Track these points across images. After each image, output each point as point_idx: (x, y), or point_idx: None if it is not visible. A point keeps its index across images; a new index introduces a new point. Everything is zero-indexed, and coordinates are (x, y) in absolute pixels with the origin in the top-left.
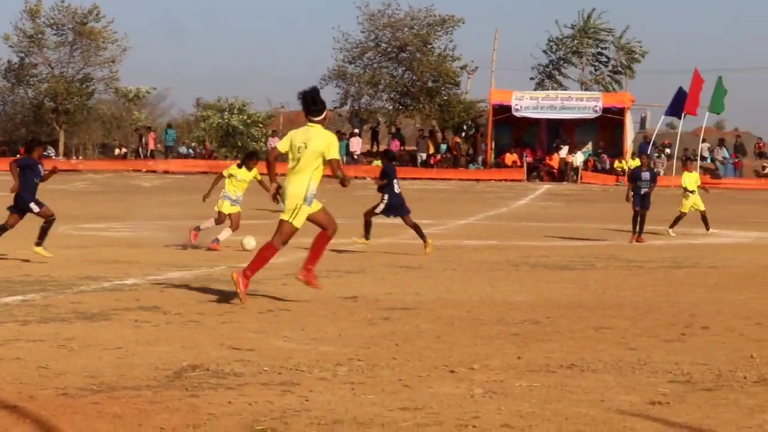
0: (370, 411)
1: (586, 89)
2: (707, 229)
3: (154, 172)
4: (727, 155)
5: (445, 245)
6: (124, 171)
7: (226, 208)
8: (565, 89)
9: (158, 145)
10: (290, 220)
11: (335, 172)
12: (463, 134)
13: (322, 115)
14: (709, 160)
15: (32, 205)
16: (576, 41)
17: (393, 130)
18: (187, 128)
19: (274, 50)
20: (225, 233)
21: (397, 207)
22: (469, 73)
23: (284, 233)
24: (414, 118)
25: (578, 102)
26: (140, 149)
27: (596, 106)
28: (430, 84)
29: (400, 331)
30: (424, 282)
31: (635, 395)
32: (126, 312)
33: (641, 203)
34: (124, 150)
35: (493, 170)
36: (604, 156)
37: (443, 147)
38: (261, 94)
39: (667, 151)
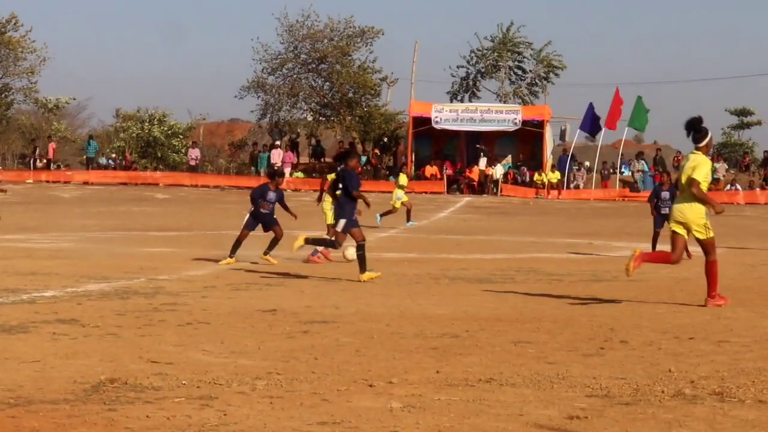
0: (288, 425)
1: (504, 102)
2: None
3: (68, 182)
4: (646, 168)
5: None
6: (44, 182)
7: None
8: (481, 101)
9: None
10: (708, 235)
11: (690, 187)
12: (383, 146)
13: (704, 142)
14: (628, 173)
15: None
16: (495, 54)
17: (313, 142)
18: (107, 139)
19: (194, 61)
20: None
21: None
22: (389, 84)
23: (711, 245)
24: (334, 129)
25: (498, 115)
26: (33, 161)
27: (516, 118)
28: (350, 95)
29: (319, 344)
30: (344, 295)
31: (553, 409)
32: (44, 325)
33: (661, 223)
34: (45, 160)
35: (413, 182)
36: (524, 169)
37: (363, 159)
38: (181, 105)
39: (587, 164)
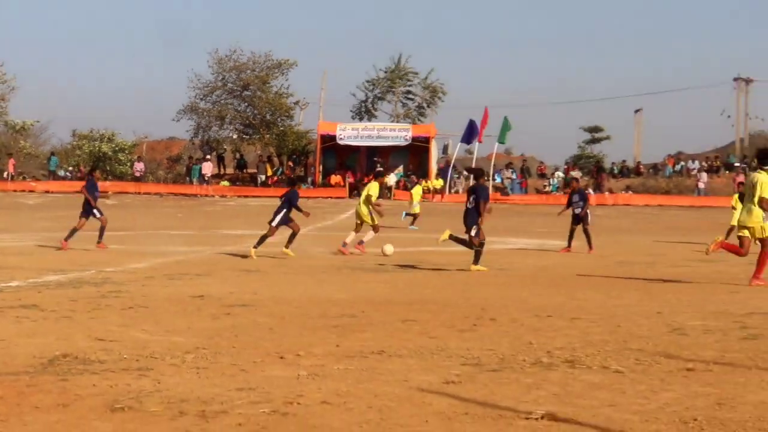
0: (211, 391)
1: (396, 121)
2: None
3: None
4: (514, 176)
5: (281, 252)
6: (12, 191)
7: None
8: (378, 120)
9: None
10: (765, 235)
11: (761, 204)
12: (296, 159)
13: None
14: (499, 180)
15: None
16: (389, 81)
17: (237, 156)
18: (65, 155)
19: (139, 88)
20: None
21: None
22: (301, 107)
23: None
24: (255, 145)
25: (392, 132)
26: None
27: (407, 135)
28: (268, 117)
29: (239, 324)
30: (261, 283)
31: (433, 376)
32: (9, 309)
33: (577, 220)
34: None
35: (320, 189)
36: (413, 177)
37: (279, 170)
38: (128, 126)
39: (465, 172)
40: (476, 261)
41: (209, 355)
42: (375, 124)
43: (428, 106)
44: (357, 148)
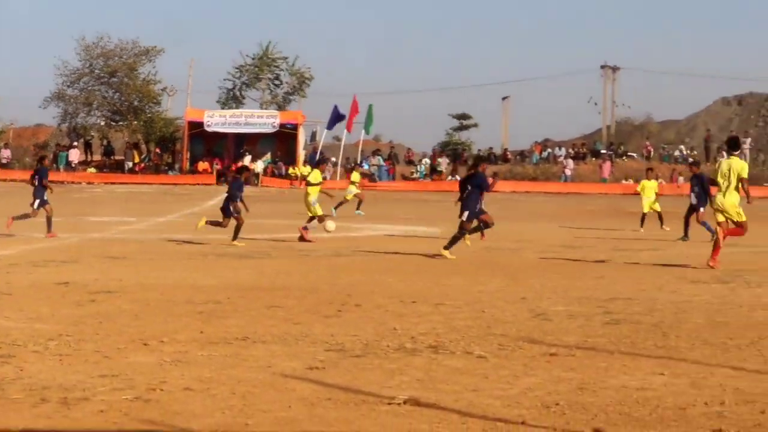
0: (74, 378)
1: (265, 108)
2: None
3: None
4: (382, 163)
5: (148, 239)
6: None
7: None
8: (245, 107)
9: None
10: (742, 219)
11: (743, 186)
12: (164, 146)
13: (738, 151)
14: (367, 167)
15: None
16: (256, 69)
17: (105, 142)
18: None
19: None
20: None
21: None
22: (169, 94)
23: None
24: (123, 132)
25: (259, 119)
26: None
27: (274, 122)
28: (136, 103)
29: (104, 311)
30: (127, 270)
31: (297, 362)
32: None
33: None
34: None
35: (188, 176)
36: (281, 163)
37: (147, 157)
38: None
39: (333, 159)
40: (450, 246)
41: (72, 342)
42: (243, 111)
43: (295, 93)
44: (225, 135)
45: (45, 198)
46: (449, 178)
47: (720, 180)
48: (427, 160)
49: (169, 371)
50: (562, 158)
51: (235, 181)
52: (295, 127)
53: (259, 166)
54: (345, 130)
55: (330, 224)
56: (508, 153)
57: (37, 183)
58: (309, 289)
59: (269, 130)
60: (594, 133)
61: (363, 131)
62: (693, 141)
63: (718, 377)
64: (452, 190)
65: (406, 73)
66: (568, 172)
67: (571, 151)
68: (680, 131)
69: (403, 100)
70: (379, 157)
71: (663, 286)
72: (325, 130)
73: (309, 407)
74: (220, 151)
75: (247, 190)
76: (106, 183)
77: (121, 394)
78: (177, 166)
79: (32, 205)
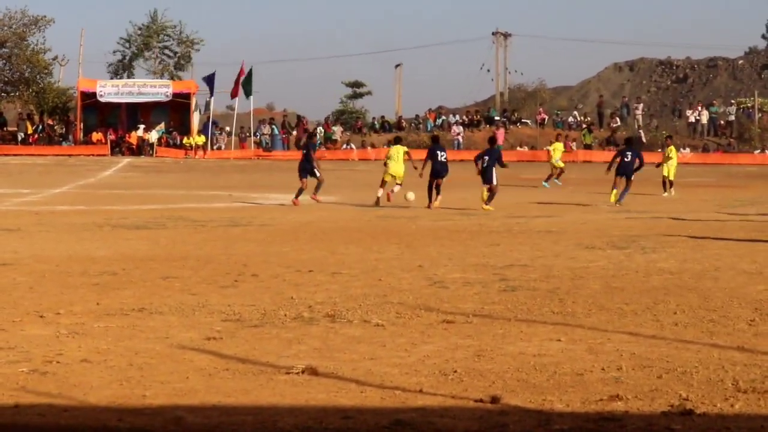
0: None
1: (159, 77)
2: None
3: None
4: (276, 132)
5: (41, 210)
6: None
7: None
8: (138, 77)
9: None
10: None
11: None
12: (57, 116)
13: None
14: (259, 136)
15: None
16: (146, 37)
17: None
18: None
19: None
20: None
21: None
22: (61, 64)
23: None
24: (15, 103)
25: (153, 89)
26: None
27: (167, 92)
28: (26, 74)
29: None
30: (22, 242)
31: (194, 332)
32: None
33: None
34: None
35: (82, 146)
36: (175, 134)
37: (40, 127)
38: None
39: (227, 129)
40: (489, 201)
41: None
42: (135, 80)
43: (185, 61)
44: (118, 105)
45: None
46: (344, 146)
47: None
48: (321, 129)
49: (66, 343)
50: (454, 125)
51: (313, 143)
52: (188, 97)
53: (153, 135)
54: (237, 99)
55: (410, 195)
56: (402, 121)
57: None
58: (205, 259)
59: (163, 99)
60: (488, 101)
61: (252, 98)
62: (586, 107)
63: (615, 343)
64: (348, 159)
65: (299, 41)
66: (460, 138)
67: (465, 118)
68: (573, 97)
69: (297, 67)
70: (273, 126)
71: (560, 252)
72: (212, 98)
73: (207, 378)
74: (114, 122)
75: (143, 161)
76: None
77: (17, 367)
78: (70, 137)
79: None
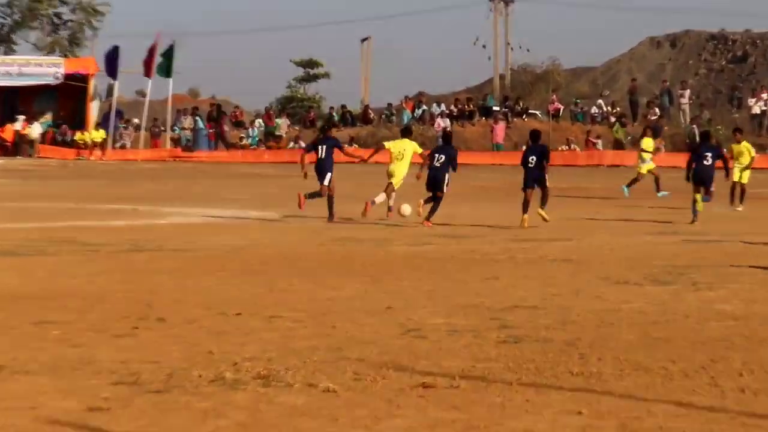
0: None
1: (48, 54)
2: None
3: None
4: (201, 125)
5: None
6: None
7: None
8: (19, 54)
9: None
10: None
11: None
12: None
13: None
14: (177, 131)
15: None
16: (32, 2)
17: None
18: None
19: None
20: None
21: None
22: None
23: None
24: None
25: (37, 68)
26: None
27: (58, 72)
28: None
29: None
30: None
31: (73, 400)
32: None
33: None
34: None
35: None
36: (65, 127)
37: None
38: None
39: (135, 121)
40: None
41: None
42: (15, 57)
43: (83, 33)
44: None
45: None
46: (291, 145)
47: None
48: (261, 122)
49: None
50: (439, 117)
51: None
52: (85, 79)
53: (35, 130)
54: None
55: (405, 208)
56: (370, 111)
57: None
58: (95, 296)
59: (51, 81)
60: (483, 85)
61: (166, 77)
62: (614, 94)
63: (658, 418)
64: (294, 162)
65: (233, 7)
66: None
67: (453, 108)
68: (597, 81)
69: (230, 41)
70: (198, 118)
71: (581, 289)
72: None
73: None
74: None
75: (19, 164)
76: None
77: None
78: None
79: None
